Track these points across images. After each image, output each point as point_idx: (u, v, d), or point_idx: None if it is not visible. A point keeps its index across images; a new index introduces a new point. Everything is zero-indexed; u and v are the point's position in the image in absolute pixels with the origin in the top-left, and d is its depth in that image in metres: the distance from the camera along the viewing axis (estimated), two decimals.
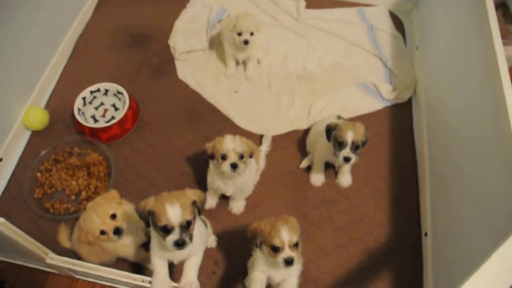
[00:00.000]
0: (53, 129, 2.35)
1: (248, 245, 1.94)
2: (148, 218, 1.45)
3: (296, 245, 1.49)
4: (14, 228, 1.47)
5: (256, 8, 2.85)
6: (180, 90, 2.50)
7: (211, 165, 1.91)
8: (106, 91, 2.39)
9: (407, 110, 2.55)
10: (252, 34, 2.36)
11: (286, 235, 1.48)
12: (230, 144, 1.77)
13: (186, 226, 1.42)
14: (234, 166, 1.78)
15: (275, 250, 1.49)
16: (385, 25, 2.90)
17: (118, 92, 2.37)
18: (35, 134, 2.33)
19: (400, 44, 2.82)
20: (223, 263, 1.99)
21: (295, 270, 1.61)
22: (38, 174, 2.18)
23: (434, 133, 2.30)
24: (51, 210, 2.09)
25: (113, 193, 1.73)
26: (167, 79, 2.54)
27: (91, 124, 2.25)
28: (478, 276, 1.14)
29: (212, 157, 1.83)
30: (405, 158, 2.37)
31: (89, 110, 2.38)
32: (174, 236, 1.41)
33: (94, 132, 2.23)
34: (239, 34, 2.36)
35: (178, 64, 2.58)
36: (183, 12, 2.80)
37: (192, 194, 1.49)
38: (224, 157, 1.78)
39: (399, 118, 2.51)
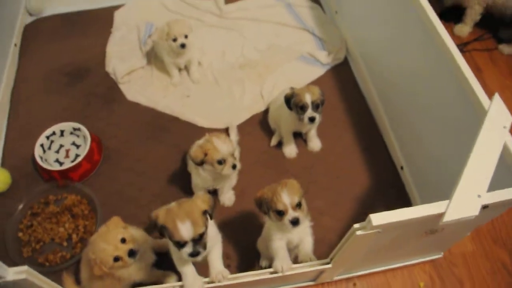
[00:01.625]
0: (19, 186, 2.28)
1: (250, 229, 2.04)
2: (161, 231, 1.49)
3: (299, 205, 1.58)
4: (39, 275, 1.45)
5: (179, 16, 2.92)
6: (134, 111, 2.52)
7: (200, 169, 1.95)
8: (62, 132, 2.36)
9: (347, 67, 2.77)
10: (186, 36, 2.44)
11: (287, 198, 1.56)
12: (224, 148, 1.83)
13: (199, 238, 1.47)
14: (234, 167, 1.88)
15: (280, 214, 1.57)
16: (301, 0, 3.09)
17: (75, 129, 2.34)
18: (1, 196, 2.26)
19: (320, 13, 3.03)
20: (234, 255, 2.05)
21: (307, 227, 1.71)
22: (20, 234, 2.10)
23: (377, 77, 2.53)
24: (47, 264, 2.03)
25: (116, 219, 1.73)
26: (118, 104, 2.54)
27: (58, 168, 2.22)
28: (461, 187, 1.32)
29: (202, 163, 1.88)
30: (360, 108, 2.58)
31: (51, 156, 2.34)
32: (188, 249, 1.47)
33: (64, 174, 2.19)
34: (174, 40, 2.42)
35: (123, 87, 2.59)
36: (110, 38, 2.81)
37: (201, 203, 1.52)
38: (221, 162, 1.85)
39: (343, 76, 2.72)
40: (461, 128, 1.73)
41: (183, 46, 2.42)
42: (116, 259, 1.64)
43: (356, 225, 1.35)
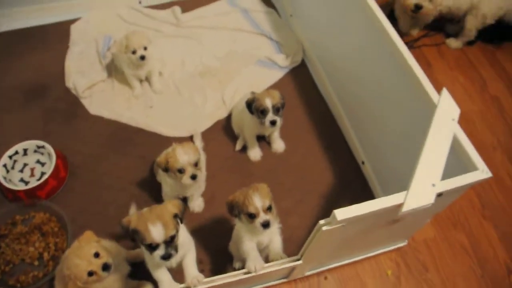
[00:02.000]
0: None
1: (221, 234, 2.09)
2: (133, 236, 1.52)
3: (269, 208, 1.66)
4: None
5: (137, 27, 2.93)
6: (98, 124, 2.52)
7: (167, 177, 1.99)
8: (25, 150, 2.34)
9: (305, 69, 2.86)
10: (145, 48, 2.46)
11: (258, 202, 1.63)
12: (185, 158, 1.87)
13: (170, 241, 1.52)
14: (194, 177, 1.90)
15: (252, 217, 1.64)
16: (256, 6, 3.16)
17: (39, 147, 2.33)
18: None
19: (276, 18, 3.11)
20: (207, 259, 2.10)
21: (276, 228, 1.78)
22: None
23: (334, 77, 2.63)
24: (19, 285, 2.01)
25: (88, 233, 1.74)
26: (81, 118, 2.54)
27: (23, 187, 2.20)
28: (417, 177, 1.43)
29: (166, 170, 1.92)
30: (320, 108, 2.68)
31: (15, 175, 2.31)
32: (160, 252, 1.52)
33: (30, 193, 2.18)
34: (134, 52, 2.44)
35: (85, 102, 2.59)
36: (69, 52, 2.79)
37: (172, 207, 1.59)
38: (181, 171, 1.88)
39: (301, 78, 2.81)
40: (415, 122, 1.84)
41: (142, 58, 2.45)
42: (90, 273, 1.65)
43: (321, 221, 1.43)
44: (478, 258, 2.24)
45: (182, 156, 1.86)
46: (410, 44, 3.11)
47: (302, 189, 2.34)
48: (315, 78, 2.80)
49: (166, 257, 1.52)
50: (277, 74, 2.79)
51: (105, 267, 1.67)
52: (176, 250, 1.56)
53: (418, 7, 2.72)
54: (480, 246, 2.28)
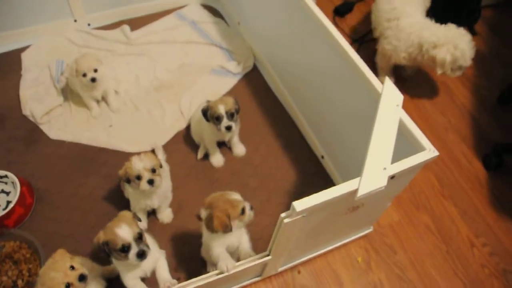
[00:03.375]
0: None
1: (192, 241, 2.15)
2: (105, 249, 1.59)
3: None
4: None
5: (88, 49, 2.96)
6: (60, 148, 2.53)
7: (130, 189, 2.06)
8: None
9: (257, 73, 2.97)
10: (96, 70, 2.50)
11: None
12: (139, 164, 1.94)
13: (139, 238, 1.60)
14: (151, 182, 1.96)
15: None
16: (204, 17, 3.26)
17: (1, 177, 2.32)
18: None
19: (224, 27, 3.21)
20: (181, 267, 2.15)
21: (244, 230, 1.88)
22: None
23: (285, 78, 2.74)
24: None
25: (61, 250, 1.76)
26: (42, 144, 2.54)
27: None
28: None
29: (128, 181, 1.97)
30: (276, 109, 2.78)
31: None
32: (133, 251, 1.61)
33: None
34: (84, 75, 2.48)
35: (44, 128, 2.60)
36: (22, 80, 2.79)
37: (127, 212, 1.70)
38: (139, 177, 1.94)
39: (255, 82, 2.91)
40: (364, 112, 1.94)
41: (93, 80, 2.49)
42: (67, 286, 1.67)
43: (282, 214, 1.50)
44: (442, 236, 2.37)
45: (138, 163, 1.93)
46: (359, 42, 3.25)
47: (267, 188, 2.42)
48: (268, 81, 2.91)
49: (141, 253, 1.62)
50: (231, 81, 2.88)
51: (82, 278, 1.69)
52: (148, 247, 1.65)
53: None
54: (443, 225, 2.41)
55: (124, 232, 1.59)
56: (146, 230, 2.21)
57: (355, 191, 1.49)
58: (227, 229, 1.71)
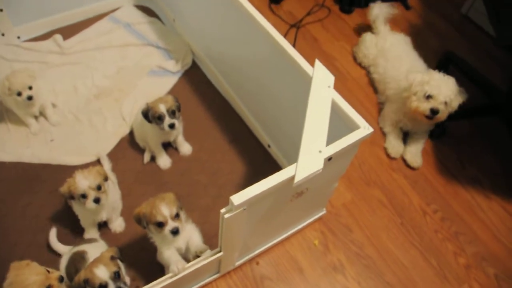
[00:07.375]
0: None
1: (148, 247, 2.11)
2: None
3: (177, 215, 1.75)
4: None
5: (21, 64, 2.85)
6: (1, 170, 2.45)
7: (75, 204, 2.01)
8: None
9: (197, 69, 2.94)
10: (31, 88, 2.41)
11: (166, 210, 1.71)
12: (85, 183, 1.89)
13: (117, 276, 1.69)
14: (97, 201, 1.92)
15: (160, 225, 1.73)
16: (138, 18, 3.19)
17: None
18: None
19: (160, 26, 3.16)
20: (139, 275, 2.12)
21: (191, 227, 1.88)
22: None
23: (224, 72, 2.73)
24: None
25: (21, 262, 1.69)
26: None
27: None
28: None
29: (72, 197, 1.93)
30: (219, 104, 2.77)
31: None
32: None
33: None
34: (19, 94, 2.38)
35: None
36: None
37: (106, 252, 1.76)
38: (84, 196, 1.90)
39: (196, 79, 2.88)
40: (300, 96, 1.93)
41: (30, 98, 2.40)
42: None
43: (222, 210, 1.51)
44: (396, 208, 2.43)
45: (82, 181, 1.88)
46: (297, 26, 3.27)
47: (217, 184, 2.42)
48: (209, 76, 2.89)
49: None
50: (171, 80, 2.84)
51: (62, 279, 1.68)
52: (125, 283, 1.72)
53: (434, 112, 2.39)
54: (395, 197, 2.47)
55: (101, 272, 1.63)
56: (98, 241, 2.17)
57: (292, 177, 1.49)
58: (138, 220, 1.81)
